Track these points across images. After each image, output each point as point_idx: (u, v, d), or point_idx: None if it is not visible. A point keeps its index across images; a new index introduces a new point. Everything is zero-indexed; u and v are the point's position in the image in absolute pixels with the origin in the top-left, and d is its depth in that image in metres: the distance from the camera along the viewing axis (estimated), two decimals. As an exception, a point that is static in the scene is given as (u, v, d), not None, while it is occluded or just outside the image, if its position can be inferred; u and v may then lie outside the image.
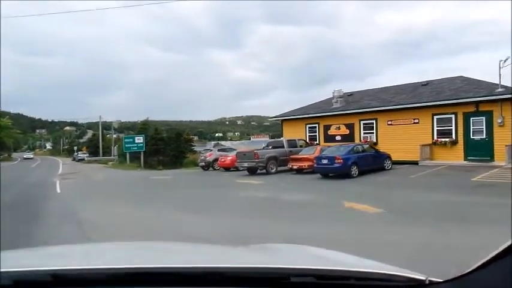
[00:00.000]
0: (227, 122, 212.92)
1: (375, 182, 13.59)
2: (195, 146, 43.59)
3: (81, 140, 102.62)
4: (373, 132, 21.29)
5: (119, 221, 8.65)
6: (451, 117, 18.37)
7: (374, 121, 21.31)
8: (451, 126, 18.39)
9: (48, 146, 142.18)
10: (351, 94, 25.39)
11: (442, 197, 9.91)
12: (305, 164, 17.35)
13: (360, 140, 21.03)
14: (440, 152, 18.55)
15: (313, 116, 23.99)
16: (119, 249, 2.07)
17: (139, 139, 34.81)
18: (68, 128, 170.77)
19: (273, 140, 21.91)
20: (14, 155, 78.50)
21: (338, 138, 22.53)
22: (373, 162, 16.43)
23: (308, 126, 24.48)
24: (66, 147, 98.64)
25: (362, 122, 21.82)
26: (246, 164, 18.57)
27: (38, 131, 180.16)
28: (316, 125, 24.05)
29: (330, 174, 15.67)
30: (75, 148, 65.17)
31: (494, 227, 5.81)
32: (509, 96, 16.30)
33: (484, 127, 17.38)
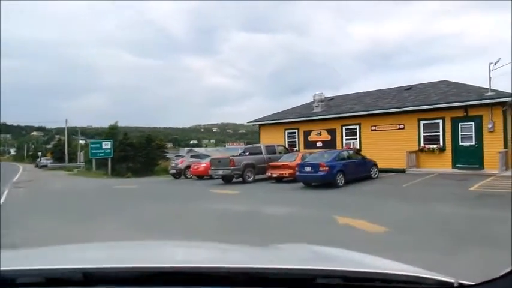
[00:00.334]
0: (202, 129, 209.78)
1: (366, 192, 12.22)
2: (167, 152, 41.45)
3: (48, 146, 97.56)
4: (356, 138, 20.12)
5: (41, 241, 6.77)
6: (439, 123, 17.40)
7: (357, 126, 20.15)
8: (439, 132, 17.41)
9: (12, 151, 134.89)
10: (331, 98, 24.24)
11: (449, 210, 8.59)
12: (286, 172, 15.86)
13: (342, 147, 19.80)
14: (427, 159, 17.52)
15: (292, 121, 22.64)
16: (146, 247, 2.07)
17: (107, 144, 32.40)
18: (35, 133, 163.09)
19: (250, 145, 20.29)
20: (-28, 161, 73.26)
21: (319, 144, 21.24)
22: (359, 170, 15.13)
23: (287, 131, 23.11)
24: (30, 153, 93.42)
25: (344, 128, 20.63)
26: (220, 172, 16.88)
27: (2, 136, 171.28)
28: (296, 131, 22.70)
29: (313, 184, 14.25)
30: (39, 154, 61.25)
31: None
32: (500, 100, 15.49)
33: (473, 133, 16.45)
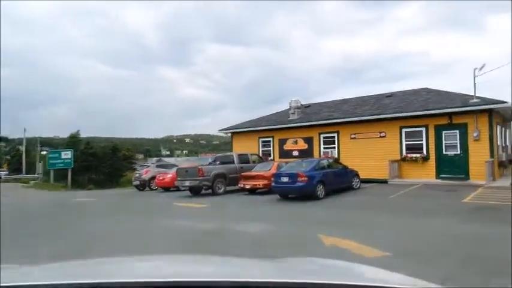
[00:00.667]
0: (175, 140, 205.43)
1: (351, 206, 10.86)
2: (135, 163, 39.05)
3: (8, 157, 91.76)
4: (334, 147, 18.94)
5: None
6: (421, 131, 16.45)
7: (335, 134, 18.99)
8: (422, 140, 16.44)
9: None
10: (308, 106, 23.09)
11: (448, 226, 7.32)
12: (260, 183, 14.35)
13: (320, 156, 18.54)
14: (410, 169, 16.47)
15: (267, 129, 21.27)
16: (157, 262, 2.08)
17: (67, 154, 29.87)
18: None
19: (221, 154, 18.63)
20: None
21: (295, 153, 19.93)
22: (340, 180, 13.84)
23: (261, 140, 21.71)
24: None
25: (322, 136, 19.43)
26: (187, 183, 15.14)
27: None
28: (271, 139, 21.34)
29: (291, 196, 12.81)
30: (-4, 165, 56.89)
31: None
32: (486, 107, 14.69)
33: (458, 142, 15.56)
